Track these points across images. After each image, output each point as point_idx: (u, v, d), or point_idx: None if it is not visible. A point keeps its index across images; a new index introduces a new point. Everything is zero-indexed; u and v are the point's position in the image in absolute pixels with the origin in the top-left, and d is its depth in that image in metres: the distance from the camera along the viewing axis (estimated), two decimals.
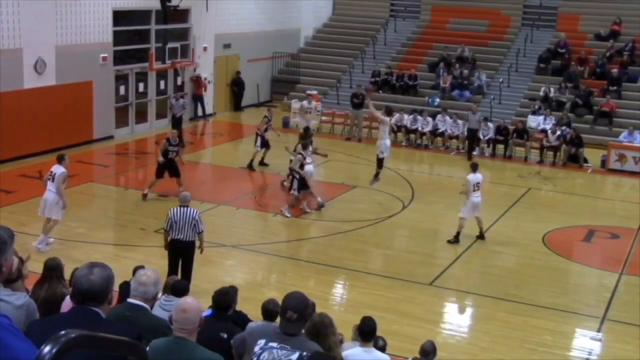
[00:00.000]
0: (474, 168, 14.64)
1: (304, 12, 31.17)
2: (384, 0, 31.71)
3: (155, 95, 23.57)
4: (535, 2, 29.85)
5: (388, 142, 16.62)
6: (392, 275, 12.68)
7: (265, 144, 19.17)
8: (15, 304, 3.51)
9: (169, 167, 16.21)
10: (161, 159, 16.11)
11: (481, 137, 22.16)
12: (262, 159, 19.47)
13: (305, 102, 23.47)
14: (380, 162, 16.66)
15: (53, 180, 12.85)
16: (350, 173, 19.64)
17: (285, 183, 16.99)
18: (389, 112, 17.22)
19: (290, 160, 16.35)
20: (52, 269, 7.07)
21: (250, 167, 19.14)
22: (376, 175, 16.73)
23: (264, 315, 6.50)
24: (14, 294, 3.61)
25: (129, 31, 22.92)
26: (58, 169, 12.91)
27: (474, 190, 14.23)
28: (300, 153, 15.81)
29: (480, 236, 14.63)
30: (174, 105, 21.45)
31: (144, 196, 16.15)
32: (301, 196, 15.84)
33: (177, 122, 21.35)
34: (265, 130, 19.26)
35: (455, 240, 14.36)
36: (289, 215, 15.51)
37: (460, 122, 22.71)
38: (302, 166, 15.73)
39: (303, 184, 15.61)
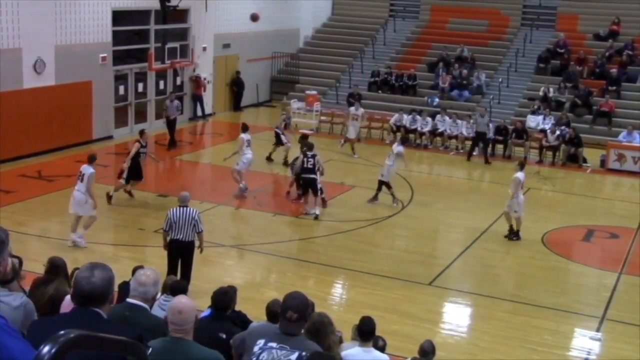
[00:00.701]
0: (522, 166, 14.84)
1: (304, 12, 31.18)
2: (384, 0, 31.70)
3: (155, 95, 23.56)
4: (534, 2, 29.86)
5: (393, 168, 16.59)
6: (392, 275, 12.67)
7: (280, 141, 19.28)
8: (12, 305, 3.50)
9: (134, 170, 15.73)
10: (129, 163, 15.57)
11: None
12: (270, 154, 19.53)
13: (352, 108, 22.02)
14: (380, 185, 16.50)
15: (82, 181, 13.05)
16: (349, 173, 19.65)
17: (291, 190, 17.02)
18: (404, 140, 17.28)
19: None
20: (62, 267, 7.08)
21: (285, 163, 18.93)
22: (375, 197, 16.64)
23: (268, 316, 6.46)
24: (11, 295, 3.61)
25: (129, 31, 22.91)
26: (87, 170, 13.11)
27: (521, 188, 14.45)
28: (304, 154, 15.77)
29: (516, 234, 14.71)
30: (169, 106, 21.28)
31: (109, 198, 15.64)
32: (306, 198, 15.87)
33: (171, 125, 21.23)
34: (285, 127, 19.45)
35: (517, 237, 14.62)
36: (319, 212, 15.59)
37: (459, 122, 22.71)
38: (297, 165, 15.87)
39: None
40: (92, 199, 13.13)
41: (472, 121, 22.14)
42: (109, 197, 15.64)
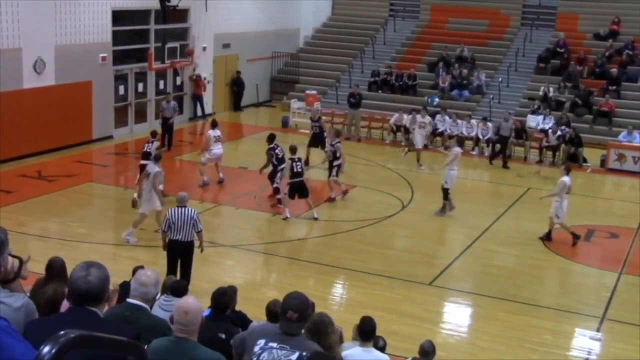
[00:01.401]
0: (568, 170, 14.67)
1: (304, 12, 31.17)
2: (383, 0, 31.72)
3: (155, 95, 23.54)
4: (534, 2, 29.87)
5: (454, 172, 15.92)
6: (392, 275, 12.67)
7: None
8: (13, 306, 3.49)
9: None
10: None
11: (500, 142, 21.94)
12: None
13: (419, 116, 20.73)
14: (445, 193, 15.97)
15: (148, 179, 13.53)
16: (349, 173, 19.60)
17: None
18: (460, 142, 16.89)
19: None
20: (61, 268, 7.09)
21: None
22: (443, 208, 16.05)
23: (269, 316, 6.45)
24: (13, 295, 3.59)
25: (128, 31, 22.90)
26: (153, 168, 13.55)
27: (567, 192, 14.32)
28: (290, 158, 15.40)
29: (548, 237, 14.64)
30: (165, 108, 20.95)
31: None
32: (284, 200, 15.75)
33: (169, 127, 21.01)
34: (320, 129, 19.26)
35: (577, 238, 14.51)
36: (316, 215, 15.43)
37: (460, 121, 22.73)
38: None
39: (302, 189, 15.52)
40: (157, 195, 13.52)
41: (491, 124, 22.14)
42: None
